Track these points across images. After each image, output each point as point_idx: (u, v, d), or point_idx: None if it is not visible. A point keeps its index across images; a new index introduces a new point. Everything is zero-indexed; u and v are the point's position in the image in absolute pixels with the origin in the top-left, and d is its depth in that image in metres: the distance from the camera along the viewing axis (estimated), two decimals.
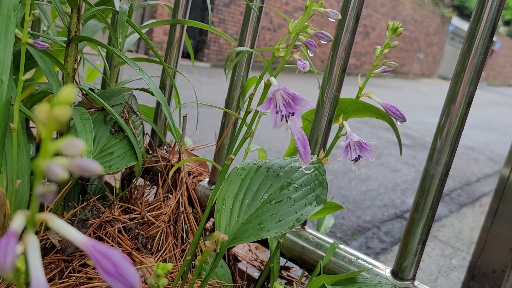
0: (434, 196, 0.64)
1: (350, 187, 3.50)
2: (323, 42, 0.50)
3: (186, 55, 8.57)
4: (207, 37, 0.76)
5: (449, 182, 4.27)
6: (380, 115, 0.81)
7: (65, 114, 0.20)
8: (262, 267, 0.96)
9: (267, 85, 0.53)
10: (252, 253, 1.00)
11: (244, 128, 0.64)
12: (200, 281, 0.72)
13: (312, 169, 0.60)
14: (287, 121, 0.46)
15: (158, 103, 0.98)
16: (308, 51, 0.52)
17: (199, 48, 8.73)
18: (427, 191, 0.64)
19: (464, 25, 18.03)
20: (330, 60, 0.75)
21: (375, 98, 0.65)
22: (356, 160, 0.60)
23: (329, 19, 0.49)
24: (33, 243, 0.25)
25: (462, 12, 18.28)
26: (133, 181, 0.86)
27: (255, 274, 0.93)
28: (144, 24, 0.87)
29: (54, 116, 0.20)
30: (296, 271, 0.95)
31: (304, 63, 0.47)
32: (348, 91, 0.62)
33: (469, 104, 0.63)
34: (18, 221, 0.25)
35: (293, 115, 0.45)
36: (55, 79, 0.73)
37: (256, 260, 0.97)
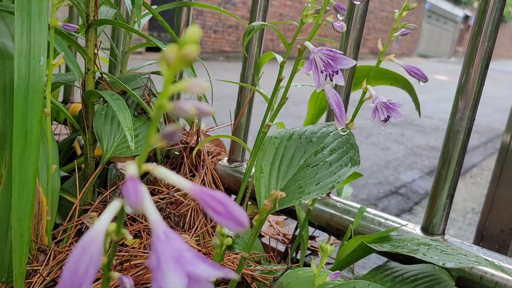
0: (459, 151, 0.67)
1: None
2: (340, 17, 0.52)
3: None
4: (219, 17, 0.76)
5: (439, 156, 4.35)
6: (395, 80, 0.83)
7: (194, 53, 0.21)
8: (286, 241, 0.98)
9: (301, 50, 0.54)
10: (273, 228, 1.02)
11: (265, 104, 0.66)
12: (235, 254, 0.73)
13: (347, 131, 0.62)
14: (331, 79, 0.47)
15: None
16: (338, 14, 0.54)
17: None
18: (453, 147, 0.67)
19: (439, 3, 18.18)
20: (345, 32, 0.76)
21: (396, 61, 0.67)
22: (385, 120, 0.62)
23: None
24: (144, 191, 0.26)
25: None
26: (158, 162, 0.86)
27: (280, 247, 0.95)
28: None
29: (182, 55, 0.21)
30: (319, 241, 0.97)
31: (341, 24, 0.48)
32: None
33: (487, 63, 0.66)
34: (132, 169, 0.26)
35: (336, 73, 0.47)
36: (76, 66, 0.73)
37: (279, 235, 0.99)
